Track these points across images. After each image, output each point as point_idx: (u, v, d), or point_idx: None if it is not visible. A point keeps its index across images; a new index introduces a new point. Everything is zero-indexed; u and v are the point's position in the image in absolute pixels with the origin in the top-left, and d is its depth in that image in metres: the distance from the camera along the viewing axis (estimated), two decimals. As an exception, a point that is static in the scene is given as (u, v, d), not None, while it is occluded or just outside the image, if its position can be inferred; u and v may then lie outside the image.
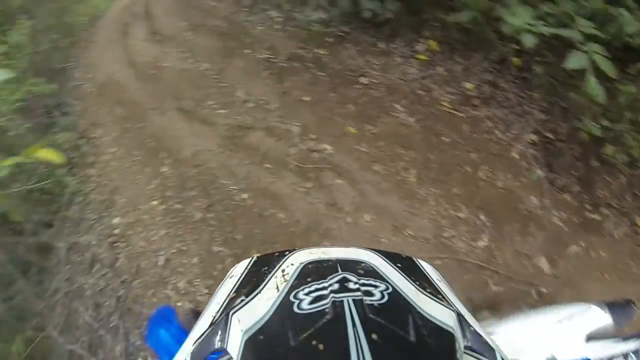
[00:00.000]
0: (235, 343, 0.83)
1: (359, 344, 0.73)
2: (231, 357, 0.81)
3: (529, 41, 2.86)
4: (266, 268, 1.06)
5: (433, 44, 3.87)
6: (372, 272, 0.98)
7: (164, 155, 4.83)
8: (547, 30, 2.78)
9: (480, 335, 0.87)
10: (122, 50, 7.79)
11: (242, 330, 0.83)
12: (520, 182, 3.29)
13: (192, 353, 0.90)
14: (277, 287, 0.93)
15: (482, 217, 3.17)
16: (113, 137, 5.64)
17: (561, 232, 3.14)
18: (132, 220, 4.61)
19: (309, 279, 0.94)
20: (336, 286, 0.88)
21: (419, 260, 1.16)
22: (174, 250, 4.13)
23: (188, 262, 3.99)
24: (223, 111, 4.91)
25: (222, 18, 6.35)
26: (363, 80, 4.05)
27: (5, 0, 8.24)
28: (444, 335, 0.81)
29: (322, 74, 4.37)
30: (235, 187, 4.09)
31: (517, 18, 2.87)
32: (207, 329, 0.93)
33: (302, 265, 1.03)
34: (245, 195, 3.99)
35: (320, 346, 0.75)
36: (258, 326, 0.83)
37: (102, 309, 4.29)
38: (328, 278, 0.92)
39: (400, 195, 3.36)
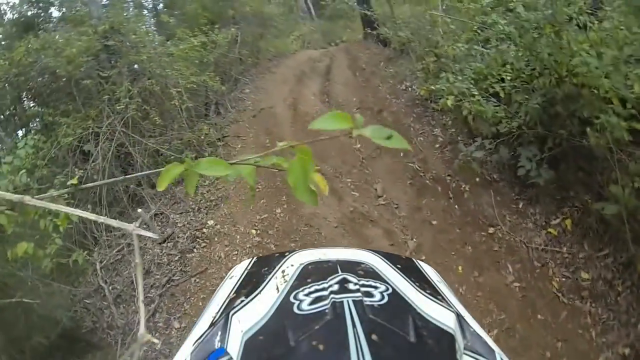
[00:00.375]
0: (235, 343, 0.95)
1: (359, 345, 0.83)
2: (231, 357, 0.93)
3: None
4: (266, 269, 1.30)
5: (568, 223, 4.50)
6: (372, 273, 1.19)
7: (284, 200, 5.88)
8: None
9: (480, 336, 1.06)
10: (291, 92, 9.37)
11: (242, 331, 0.97)
12: (593, 392, 3.65)
13: (192, 353, 1.05)
14: (277, 288, 1.12)
15: (540, 412, 3.60)
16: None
17: None
18: (224, 231, 5.66)
19: (309, 280, 1.13)
20: (336, 287, 1.06)
21: (418, 261, 1.46)
22: None
23: (252, 295, 4.76)
24: (355, 193, 5.85)
25: (391, 112, 7.47)
26: (490, 230, 4.79)
27: (226, 9, 10.13)
28: (444, 336, 0.97)
29: (457, 207, 5.22)
30: (334, 266, 4.84)
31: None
32: (207, 329, 1.11)
33: (302, 266, 1.25)
34: (339, 277, 4.71)
35: (321, 346, 0.87)
36: (258, 327, 0.97)
37: (150, 278, 5.33)
38: (328, 279, 1.10)
39: (472, 348, 3.86)
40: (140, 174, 5.44)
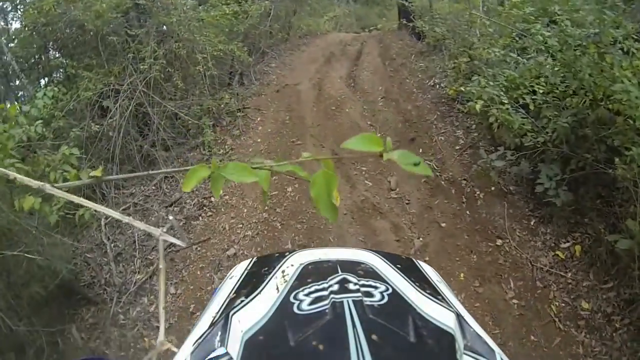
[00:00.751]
0: (235, 343, 0.96)
1: (359, 345, 0.86)
2: (231, 357, 0.94)
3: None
4: (266, 269, 1.32)
5: (577, 249, 4.44)
6: (372, 273, 1.20)
7: (296, 179, 5.81)
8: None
9: (480, 336, 1.07)
10: (317, 72, 9.36)
11: (242, 331, 0.98)
12: None
13: (192, 353, 1.05)
14: (277, 288, 1.13)
15: None
16: (266, 131, 6.87)
17: None
18: (232, 202, 5.72)
19: (309, 280, 1.14)
20: (336, 287, 1.07)
21: (418, 261, 1.47)
22: (247, 254, 4.99)
23: (251, 271, 4.77)
24: (368, 183, 5.84)
25: (416, 107, 7.40)
26: (498, 241, 4.76)
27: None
28: (444, 336, 0.98)
29: (469, 213, 5.18)
30: (337, 250, 4.84)
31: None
32: (207, 329, 1.12)
33: (302, 266, 1.26)
34: (340, 265, 4.72)
35: (320, 347, 0.87)
36: (258, 326, 0.98)
37: (152, 240, 5.41)
38: (328, 279, 1.12)
39: (462, 358, 3.90)
40: (164, 170, 5.52)
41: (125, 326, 4.64)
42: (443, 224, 5.12)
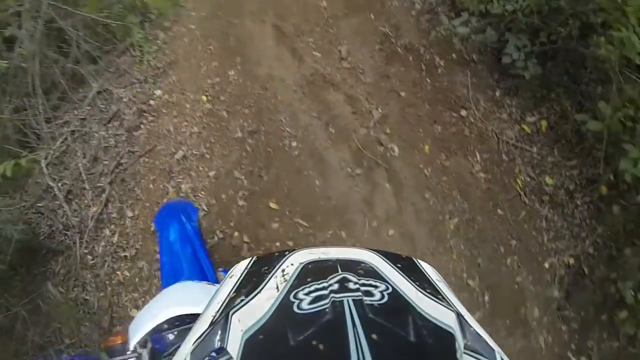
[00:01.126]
0: (235, 343, 0.89)
1: (359, 344, 0.80)
2: (231, 357, 0.86)
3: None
4: (266, 268, 1.21)
5: (543, 124, 4.28)
6: (372, 272, 1.12)
7: (238, 61, 5.14)
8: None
9: (480, 336, 0.99)
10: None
11: (242, 330, 0.91)
12: (535, 288, 3.80)
13: (191, 353, 0.97)
14: (277, 287, 1.05)
15: (486, 299, 3.74)
16: (200, 15, 5.92)
17: (535, 353, 3.69)
18: (173, 100, 4.98)
19: (308, 279, 1.06)
20: (336, 286, 0.99)
21: (418, 260, 1.35)
22: (197, 152, 4.53)
23: (203, 171, 4.40)
24: (317, 54, 5.21)
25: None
26: (462, 112, 4.46)
27: None
28: (444, 336, 0.93)
29: (429, 81, 4.76)
30: (289, 131, 4.48)
31: (633, 167, 3.21)
32: (207, 329, 1.03)
33: (302, 265, 1.17)
34: (294, 144, 4.39)
35: (320, 346, 0.81)
36: (258, 326, 0.91)
37: (98, 165, 4.73)
38: (328, 278, 1.03)
39: (431, 233, 3.87)
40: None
41: (96, 266, 4.22)
42: (402, 93, 4.70)
